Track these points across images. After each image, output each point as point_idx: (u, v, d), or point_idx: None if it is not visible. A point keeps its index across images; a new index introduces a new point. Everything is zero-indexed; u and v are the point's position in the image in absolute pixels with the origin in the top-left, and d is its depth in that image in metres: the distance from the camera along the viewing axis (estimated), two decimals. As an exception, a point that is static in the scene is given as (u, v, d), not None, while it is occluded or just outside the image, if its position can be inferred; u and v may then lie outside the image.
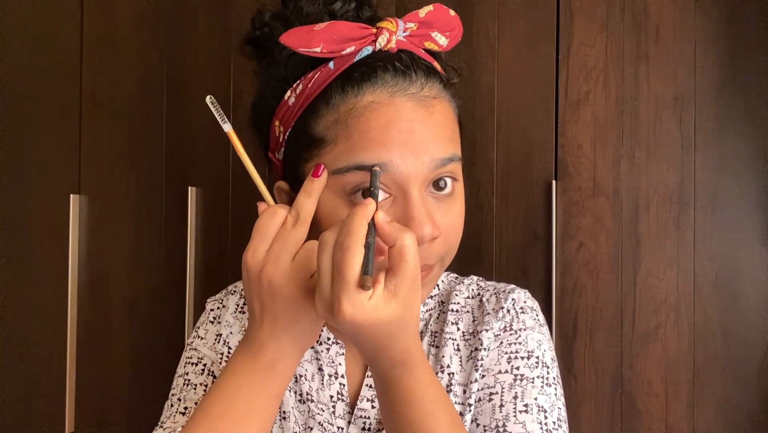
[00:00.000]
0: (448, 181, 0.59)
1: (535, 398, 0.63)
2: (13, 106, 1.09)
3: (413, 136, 0.56)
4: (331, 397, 0.67)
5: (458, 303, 0.72)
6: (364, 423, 0.66)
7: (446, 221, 0.59)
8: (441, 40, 0.62)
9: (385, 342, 0.50)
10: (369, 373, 0.67)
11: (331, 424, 0.66)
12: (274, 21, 0.64)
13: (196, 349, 0.71)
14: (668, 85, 0.92)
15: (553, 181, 0.93)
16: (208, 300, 0.76)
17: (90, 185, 1.06)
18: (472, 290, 0.74)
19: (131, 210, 1.05)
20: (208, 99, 0.58)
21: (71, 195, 1.04)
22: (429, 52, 0.63)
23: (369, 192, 0.54)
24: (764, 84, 0.91)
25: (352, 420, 0.67)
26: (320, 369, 0.68)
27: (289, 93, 0.61)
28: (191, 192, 1.00)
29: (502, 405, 0.63)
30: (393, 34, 0.58)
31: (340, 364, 0.68)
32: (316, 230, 0.57)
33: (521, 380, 0.64)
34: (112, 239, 1.05)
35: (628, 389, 0.92)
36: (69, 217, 1.04)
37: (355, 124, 0.56)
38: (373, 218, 0.50)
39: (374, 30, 0.59)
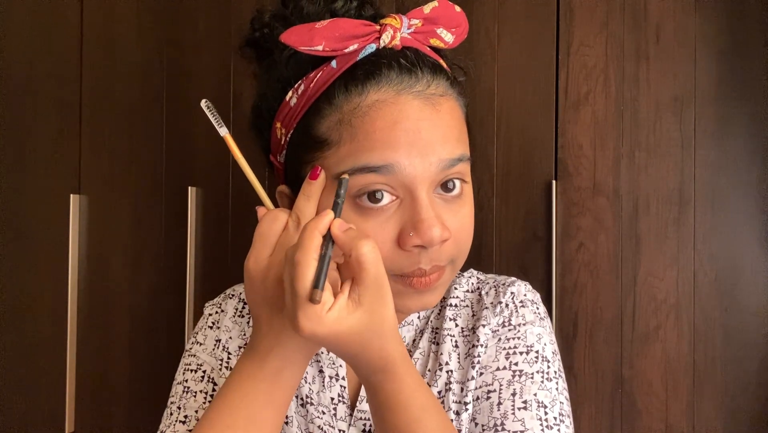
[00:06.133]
0: (457, 182, 0.58)
1: (535, 394, 0.61)
2: (14, 106, 1.09)
3: (420, 136, 0.55)
4: (332, 399, 0.66)
5: (457, 297, 0.70)
6: (365, 425, 0.65)
7: (456, 222, 0.58)
8: (447, 37, 0.60)
9: (358, 350, 0.49)
10: None
11: (332, 427, 0.65)
12: (274, 21, 0.62)
13: (195, 355, 0.68)
14: (668, 85, 0.92)
15: (553, 181, 0.93)
16: (206, 305, 0.74)
17: (90, 185, 1.06)
18: (472, 283, 0.72)
19: (131, 210, 1.05)
20: (203, 103, 0.56)
21: (71, 195, 1.04)
22: (434, 49, 0.61)
23: (333, 202, 0.52)
24: (764, 84, 0.91)
25: (352, 422, 0.65)
26: (321, 371, 0.67)
27: (290, 94, 0.59)
28: (191, 192, 1.00)
29: (500, 403, 0.61)
30: (397, 30, 0.57)
31: (341, 366, 0.67)
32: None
33: (520, 376, 0.63)
34: (112, 239, 1.05)
35: (628, 389, 0.92)
36: (69, 217, 1.04)
37: (360, 124, 0.55)
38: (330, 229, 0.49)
39: (378, 27, 0.57)
